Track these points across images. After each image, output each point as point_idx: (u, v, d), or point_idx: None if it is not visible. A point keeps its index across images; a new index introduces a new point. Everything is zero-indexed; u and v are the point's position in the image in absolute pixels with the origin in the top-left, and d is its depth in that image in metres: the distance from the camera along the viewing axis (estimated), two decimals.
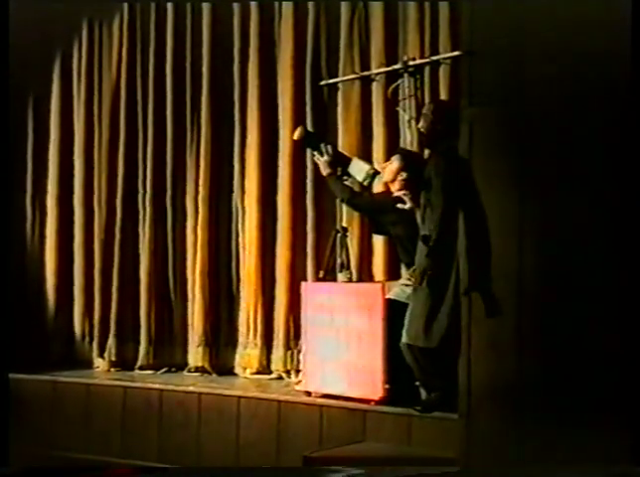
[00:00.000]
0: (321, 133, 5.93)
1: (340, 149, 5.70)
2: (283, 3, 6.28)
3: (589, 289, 3.49)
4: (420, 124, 4.72)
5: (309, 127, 6.06)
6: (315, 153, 5.31)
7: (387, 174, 5.03)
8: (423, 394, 4.64)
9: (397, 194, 4.84)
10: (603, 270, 3.47)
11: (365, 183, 5.22)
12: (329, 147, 5.26)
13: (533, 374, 3.62)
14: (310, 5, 6.17)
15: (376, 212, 5.17)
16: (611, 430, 3.40)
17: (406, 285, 4.90)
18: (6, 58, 4.88)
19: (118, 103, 6.82)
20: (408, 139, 5.62)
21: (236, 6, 6.47)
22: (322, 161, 5.24)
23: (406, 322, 4.55)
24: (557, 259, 3.56)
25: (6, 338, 5.01)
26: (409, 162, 4.94)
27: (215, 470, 4.82)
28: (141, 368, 6.51)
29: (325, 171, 5.24)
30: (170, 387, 5.70)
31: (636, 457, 3.30)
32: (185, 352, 6.50)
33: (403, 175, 4.91)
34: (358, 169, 5.17)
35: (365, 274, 5.85)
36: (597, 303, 3.48)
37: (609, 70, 3.49)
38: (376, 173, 5.17)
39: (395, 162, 5.00)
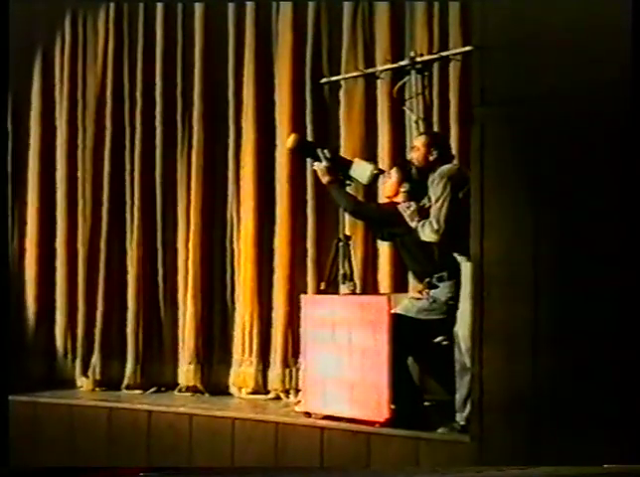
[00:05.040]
0: (320, 137, 5.97)
1: (342, 152, 5.75)
2: None
3: (607, 297, 3.51)
4: (412, 156, 4.89)
5: (309, 128, 6.14)
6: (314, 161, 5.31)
7: (387, 189, 5.11)
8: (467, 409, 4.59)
9: (401, 207, 4.85)
10: (621, 275, 3.49)
11: (370, 184, 5.25)
12: (326, 152, 5.25)
13: (551, 392, 3.63)
14: None
15: (383, 223, 5.17)
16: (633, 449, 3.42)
17: (417, 299, 4.93)
18: (6, 58, 4.95)
19: (104, 104, 6.88)
20: (416, 142, 5.63)
21: None
22: (320, 168, 5.20)
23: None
24: (574, 264, 3.58)
25: None
26: (409, 172, 4.99)
27: (222, 470, 4.94)
28: (128, 387, 6.54)
29: (325, 178, 5.21)
30: (159, 408, 5.69)
31: None
32: (175, 370, 6.52)
33: (406, 186, 4.97)
34: (361, 171, 5.18)
35: (369, 286, 5.86)
36: (616, 315, 3.50)
37: (629, 66, 3.52)
38: (380, 172, 5.20)
39: (393, 175, 5.06)
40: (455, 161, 4.89)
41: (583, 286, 3.55)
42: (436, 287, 4.86)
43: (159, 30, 6.72)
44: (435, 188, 4.60)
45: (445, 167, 4.69)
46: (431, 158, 4.77)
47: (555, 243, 3.62)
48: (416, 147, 4.87)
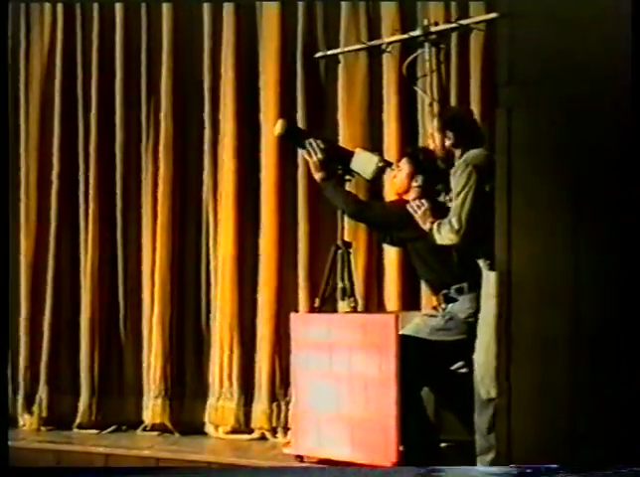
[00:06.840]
0: (314, 123, 5.94)
1: (341, 141, 5.75)
2: None
3: None
4: (428, 143, 4.91)
5: (300, 113, 6.10)
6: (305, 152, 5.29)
7: (398, 184, 5.08)
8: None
9: (411, 206, 4.81)
10: None
11: (375, 179, 5.24)
12: (319, 142, 5.24)
13: (594, 430, 3.61)
14: None
15: (390, 227, 5.15)
16: None
17: (430, 316, 4.90)
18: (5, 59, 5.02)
19: (52, 89, 6.81)
20: (429, 127, 5.62)
21: None
22: (312, 162, 5.19)
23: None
24: (622, 271, 3.55)
25: None
26: (422, 162, 4.96)
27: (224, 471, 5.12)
28: (81, 426, 6.51)
29: (318, 175, 5.20)
30: (119, 451, 5.74)
31: None
32: (139, 405, 6.50)
33: (418, 180, 4.97)
34: (364, 163, 5.17)
35: (373, 303, 5.89)
36: None
37: None
38: (387, 164, 5.18)
39: (404, 167, 5.05)
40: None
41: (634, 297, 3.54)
42: (454, 301, 4.83)
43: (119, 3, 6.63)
44: (458, 178, 4.48)
45: (471, 153, 4.56)
46: (448, 143, 4.69)
47: (598, 249, 3.60)
48: (431, 133, 4.82)
